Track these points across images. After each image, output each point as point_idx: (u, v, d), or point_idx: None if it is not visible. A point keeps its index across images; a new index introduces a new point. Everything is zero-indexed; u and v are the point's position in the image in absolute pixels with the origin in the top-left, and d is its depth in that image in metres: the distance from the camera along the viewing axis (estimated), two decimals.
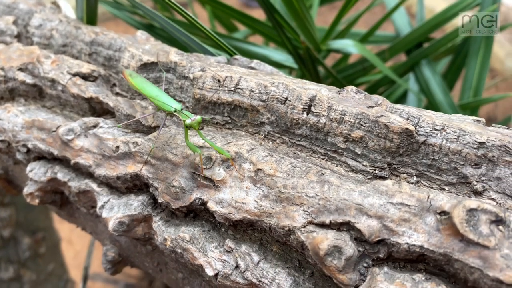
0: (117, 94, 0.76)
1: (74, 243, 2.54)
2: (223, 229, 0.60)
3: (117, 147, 0.65)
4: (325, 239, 0.48)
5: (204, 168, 0.58)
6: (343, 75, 1.31)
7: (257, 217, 0.54)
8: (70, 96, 0.74)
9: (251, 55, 1.29)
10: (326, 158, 0.60)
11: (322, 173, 0.53)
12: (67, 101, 0.76)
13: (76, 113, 0.76)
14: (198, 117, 0.56)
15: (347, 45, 1.17)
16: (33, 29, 0.87)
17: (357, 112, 0.57)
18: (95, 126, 0.69)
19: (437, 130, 0.55)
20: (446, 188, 0.54)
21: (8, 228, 1.69)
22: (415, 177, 0.56)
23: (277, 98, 0.62)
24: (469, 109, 1.25)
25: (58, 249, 1.91)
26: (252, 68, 0.75)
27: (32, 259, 1.76)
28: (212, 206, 0.57)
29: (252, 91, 0.63)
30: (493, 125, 0.57)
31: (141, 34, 0.81)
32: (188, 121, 0.56)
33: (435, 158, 0.55)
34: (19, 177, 0.90)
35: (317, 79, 1.21)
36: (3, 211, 1.61)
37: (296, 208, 0.52)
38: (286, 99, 0.61)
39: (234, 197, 0.56)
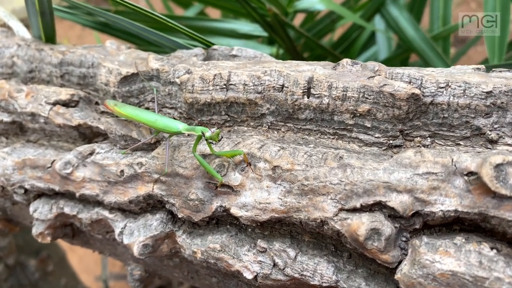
0: (102, 113, 0.73)
1: (75, 249, 2.53)
2: (249, 230, 0.59)
3: (122, 171, 0.63)
4: (361, 224, 0.48)
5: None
6: (314, 32, 1.29)
7: (284, 214, 0.54)
8: (56, 126, 0.71)
9: (217, 32, 1.25)
10: (336, 137, 0.59)
11: (341, 157, 0.53)
12: (52, 132, 0.73)
13: (65, 141, 0.73)
14: (216, 130, 0.55)
15: (314, 3, 1.15)
16: None
17: (359, 86, 0.56)
18: (91, 154, 0.66)
19: (442, 87, 0.54)
20: (461, 143, 0.54)
21: (11, 255, 1.66)
22: (428, 138, 0.56)
23: (273, 86, 0.60)
24: (441, 38, 1.25)
25: (65, 263, 1.90)
26: (234, 56, 0.73)
27: (42, 279, 1.75)
28: (236, 211, 0.56)
29: (246, 84, 0.61)
30: (493, 70, 0.57)
31: (110, 44, 0.77)
32: (208, 134, 0.55)
33: (445, 116, 0.54)
34: (19, 215, 0.87)
35: (289, 42, 1.19)
36: (1, 240, 1.58)
37: (323, 198, 0.51)
38: (283, 86, 0.59)
39: (257, 198, 0.55)
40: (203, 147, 0.60)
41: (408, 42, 1.19)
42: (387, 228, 0.48)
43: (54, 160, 0.68)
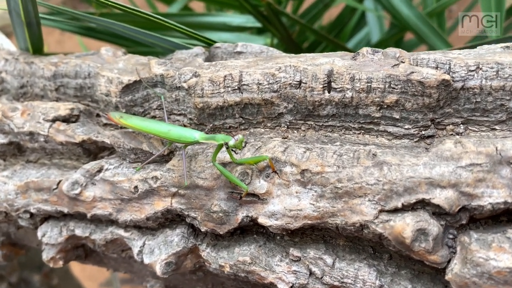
0: (105, 125, 0.69)
1: None
2: (278, 237, 0.56)
3: (136, 187, 0.59)
4: (406, 225, 0.45)
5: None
6: (308, 17, 1.25)
7: (318, 220, 0.50)
8: (57, 144, 0.66)
9: (209, 26, 1.21)
10: (362, 131, 0.55)
11: (374, 154, 0.49)
12: (54, 150, 0.68)
13: (68, 158, 0.69)
14: (240, 136, 0.51)
15: None
16: None
17: (384, 76, 0.52)
18: (100, 171, 0.62)
19: (472, 71, 0.51)
20: (497, 127, 0.51)
21: (13, 273, 1.62)
22: (461, 125, 0.53)
23: (290, 83, 0.56)
24: (435, 15, 1.22)
25: (69, 274, 1.86)
26: (239, 52, 0.69)
27: None
28: (264, 221, 0.53)
29: (260, 83, 0.57)
30: None
31: (106, 51, 0.72)
32: (232, 143, 0.51)
33: (477, 100, 0.51)
34: (25, 238, 0.82)
35: (284, 31, 1.15)
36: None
37: (360, 200, 0.48)
38: (300, 82, 0.56)
39: (286, 205, 0.51)
40: (221, 154, 0.56)
41: (403, 21, 1.16)
42: (434, 227, 0.45)
43: (60, 181, 0.64)
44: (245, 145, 0.52)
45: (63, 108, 0.66)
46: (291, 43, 1.17)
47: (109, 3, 0.65)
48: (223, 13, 1.30)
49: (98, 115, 0.70)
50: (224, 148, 0.53)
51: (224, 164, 0.55)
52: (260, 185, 0.53)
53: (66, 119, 0.67)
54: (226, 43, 0.71)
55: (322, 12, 1.26)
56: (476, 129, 0.52)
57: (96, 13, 1.12)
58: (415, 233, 0.45)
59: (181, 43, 0.78)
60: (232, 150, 0.53)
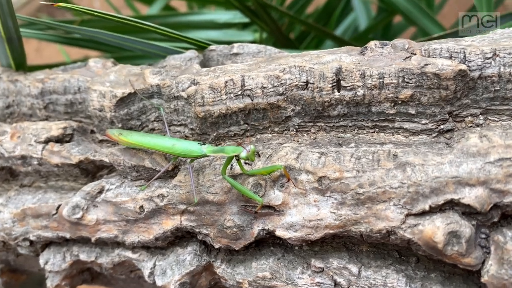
0: (101, 141, 0.65)
1: None
2: (296, 248, 0.53)
3: (141, 207, 0.56)
4: (437, 229, 0.43)
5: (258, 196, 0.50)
6: (295, 9, 1.21)
7: (340, 228, 0.48)
8: (52, 166, 0.63)
9: (196, 25, 1.17)
10: (377, 130, 0.53)
11: (395, 155, 0.47)
12: (49, 172, 0.64)
13: (64, 180, 0.65)
14: (252, 147, 0.48)
15: None
16: None
17: (397, 70, 0.49)
18: (100, 192, 0.59)
19: (489, 58, 0.48)
20: None
21: None
22: (480, 116, 0.50)
23: (296, 85, 0.53)
24: None
25: None
26: (236, 54, 0.66)
27: None
28: (282, 233, 0.50)
29: (264, 87, 0.54)
30: None
31: (95, 63, 0.68)
32: (244, 154, 0.48)
33: (496, 89, 0.49)
34: (25, 264, 0.79)
35: (273, 24, 1.11)
36: None
37: (385, 205, 0.45)
38: (307, 82, 0.53)
39: (305, 216, 0.49)
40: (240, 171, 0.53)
41: (391, 3, 1.13)
42: (466, 228, 0.42)
43: (59, 205, 0.60)
44: (259, 156, 0.49)
45: (55, 128, 0.63)
46: (281, 36, 1.14)
47: (88, 11, 0.61)
48: (209, 10, 1.26)
49: (92, 132, 0.66)
50: (237, 161, 0.50)
51: (235, 176, 0.52)
52: (275, 196, 0.50)
53: (59, 139, 0.63)
54: (221, 45, 0.67)
55: (308, 2, 1.23)
56: (496, 119, 0.50)
57: (76, 21, 1.07)
58: (446, 237, 0.42)
59: (170, 47, 0.74)
60: (246, 162, 0.49)
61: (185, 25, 1.13)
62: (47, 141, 0.62)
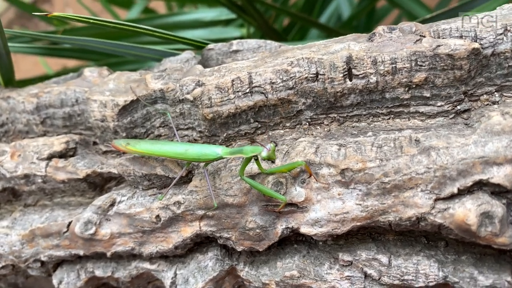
0: (105, 152, 0.63)
1: None
2: (321, 243, 0.52)
3: (157, 216, 0.54)
4: (468, 212, 0.42)
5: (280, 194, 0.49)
6: (280, 1, 1.20)
7: (368, 220, 0.47)
8: (58, 183, 0.60)
9: (181, 25, 1.15)
10: (392, 116, 0.52)
11: (417, 140, 0.46)
12: (54, 189, 0.62)
13: (71, 195, 0.63)
14: (271, 145, 0.46)
15: None
16: None
17: (409, 54, 0.49)
18: (112, 205, 0.57)
19: (501, 34, 0.48)
20: None
21: None
22: (496, 93, 0.50)
23: (306, 77, 0.52)
24: None
25: None
26: (236, 51, 0.64)
27: None
28: (308, 230, 0.49)
29: (273, 82, 0.53)
30: None
31: (90, 73, 0.66)
32: (264, 154, 0.46)
33: (510, 64, 0.48)
34: (35, 285, 0.76)
35: (261, 18, 1.10)
36: None
37: (412, 192, 0.45)
38: (317, 74, 0.51)
39: (330, 210, 0.48)
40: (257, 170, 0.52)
41: None
42: (498, 208, 0.42)
43: (69, 222, 0.58)
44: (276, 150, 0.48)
45: (57, 143, 0.60)
46: (269, 30, 1.12)
47: (83, 19, 0.59)
48: (191, 10, 1.24)
49: (95, 143, 0.64)
50: (255, 161, 0.48)
51: (253, 176, 0.51)
52: (298, 193, 0.48)
53: (62, 154, 0.61)
54: (220, 44, 0.66)
55: None
56: None
57: (58, 31, 1.04)
58: (479, 218, 0.42)
59: (165, 50, 0.72)
60: (267, 160, 0.48)
61: (171, 26, 1.11)
62: (50, 157, 0.60)
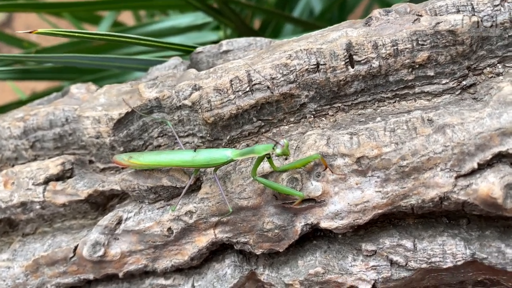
0: (103, 170, 0.60)
1: None
2: (340, 236, 0.51)
3: (169, 229, 0.52)
4: (492, 185, 0.42)
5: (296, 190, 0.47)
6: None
7: (389, 206, 0.46)
8: (58, 207, 0.58)
9: (156, 34, 1.13)
10: (398, 99, 0.51)
11: (430, 120, 0.45)
12: (54, 214, 0.59)
13: (72, 219, 0.60)
14: (285, 141, 0.45)
15: None
16: None
17: (409, 34, 0.48)
18: (119, 223, 0.54)
19: (497, 5, 0.48)
20: None
21: None
22: (498, 64, 0.49)
23: (306, 69, 0.51)
24: None
25: None
26: (227, 51, 0.63)
27: None
28: (328, 224, 0.47)
29: (274, 78, 0.51)
30: None
31: (78, 90, 0.63)
32: (279, 150, 0.44)
33: (510, 35, 0.48)
34: None
35: (238, 19, 1.09)
36: None
37: (432, 172, 0.44)
38: (318, 64, 0.50)
39: (350, 201, 0.46)
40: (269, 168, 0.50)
41: None
42: None
43: (76, 247, 0.55)
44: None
45: (53, 166, 0.58)
46: (246, 30, 1.11)
47: (71, 34, 0.56)
48: (165, 17, 1.21)
49: (91, 162, 0.61)
50: (268, 159, 0.47)
51: (265, 176, 0.49)
52: (314, 187, 0.47)
53: (60, 177, 0.58)
54: (208, 46, 0.64)
55: None
56: None
57: (31, 51, 1.00)
58: (504, 190, 0.41)
59: (152, 58, 0.70)
60: (283, 157, 0.47)
61: (149, 35, 1.09)
62: (47, 181, 0.57)
